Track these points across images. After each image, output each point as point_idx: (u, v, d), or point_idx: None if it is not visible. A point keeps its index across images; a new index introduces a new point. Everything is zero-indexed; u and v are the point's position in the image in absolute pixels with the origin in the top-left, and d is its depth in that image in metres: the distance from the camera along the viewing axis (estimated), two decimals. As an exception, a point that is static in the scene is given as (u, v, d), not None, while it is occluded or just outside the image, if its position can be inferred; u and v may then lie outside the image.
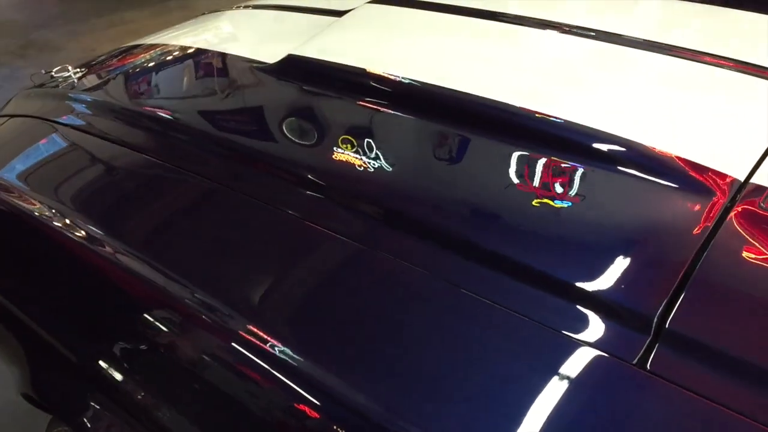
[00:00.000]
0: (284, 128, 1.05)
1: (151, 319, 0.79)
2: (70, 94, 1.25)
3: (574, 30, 1.11)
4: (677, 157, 0.77)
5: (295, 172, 0.92)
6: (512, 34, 1.18)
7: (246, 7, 1.64)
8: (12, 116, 1.26)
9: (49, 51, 4.88)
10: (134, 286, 0.82)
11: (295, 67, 1.13)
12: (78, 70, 1.35)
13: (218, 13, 1.66)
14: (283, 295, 0.76)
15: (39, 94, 1.32)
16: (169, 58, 1.36)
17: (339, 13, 1.37)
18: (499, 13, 1.21)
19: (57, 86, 1.32)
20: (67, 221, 0.92)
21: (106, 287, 0.87)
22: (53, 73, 1.36)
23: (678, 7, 1.27)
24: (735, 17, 1.24)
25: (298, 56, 1.13)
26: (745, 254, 0.67)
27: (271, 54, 1.19)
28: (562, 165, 0.80)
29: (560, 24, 1.14)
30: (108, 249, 0.86)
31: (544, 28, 1.14)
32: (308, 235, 0.80)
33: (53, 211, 0.94)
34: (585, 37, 1.10)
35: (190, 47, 1.37)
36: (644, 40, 1.06)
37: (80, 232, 0.89)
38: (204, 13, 1.74)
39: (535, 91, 0.95)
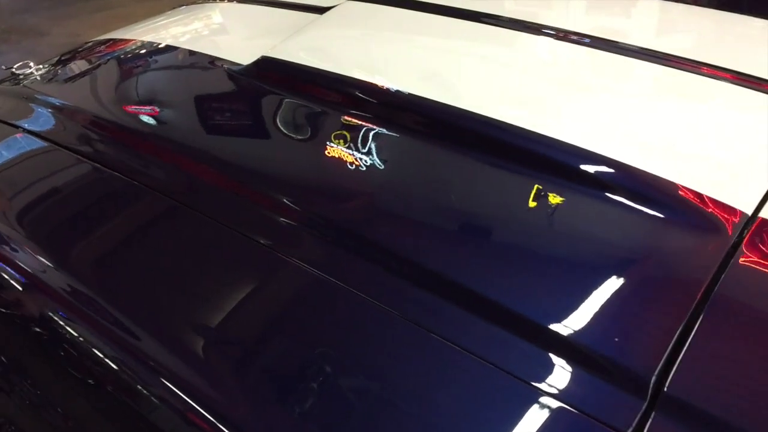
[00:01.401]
0: (254, 137, 0.97)
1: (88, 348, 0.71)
2: (29, 94, 1.16)
3: (569, 36, 1.04)
4: (678, 185, 0.70)
5: (262, 190, 0.84)
6: (500, 39, 1.11)
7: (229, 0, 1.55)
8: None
9: (33, 36, 4.76)
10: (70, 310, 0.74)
11: (268, 71, 1.05)
12: (40, 66, 1.27)
13: (195, 6, 1.57)
14: (241, 340, 0.67)
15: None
16: (136, 56, 1.27)
17: (322, 11, 1.29)
18: (487, 14, 1.13)
19: (18, 84, 1.24)
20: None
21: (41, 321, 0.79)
22: (14, 69, 1.27)
23: (681, 12, 1.20)
24: (739, 23, 1.17)
25: (273, 58, 1.05)
26: (755, 302, 0.60)
27: (245, 54, 1.11)
28: (550, 193, 0.73)
29: (552, 28, 1.06)
30: (43, 271, 0.78)
31: (532, 33, 1.07)
32: (266, 259, 0.73)
33: None
34: (581, 45, 1.03)
35: (159, 44, 1.29)
36: (644, 48, 0.99)
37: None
38: (183, 5, 1.65)
39: (522, 105, 0.88)
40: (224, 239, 0.77)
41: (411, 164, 0.85)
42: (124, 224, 0.85)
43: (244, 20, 1.45)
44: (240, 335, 0.66)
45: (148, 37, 1.35)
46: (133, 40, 1.34)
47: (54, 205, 0.92)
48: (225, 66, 1.11)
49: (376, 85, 0.94)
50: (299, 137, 0.94)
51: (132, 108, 1.08)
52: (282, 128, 0.96)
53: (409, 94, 0.90)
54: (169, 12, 1.60)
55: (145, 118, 1.04)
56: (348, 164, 0.82)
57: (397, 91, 0.92)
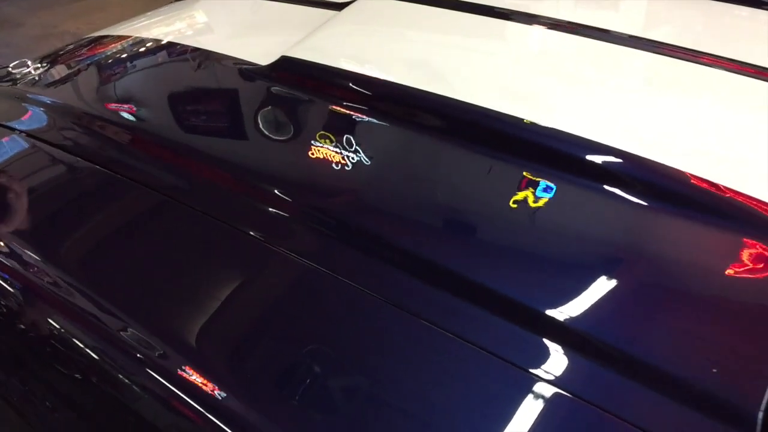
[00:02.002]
0: (279, 142, 0.92)
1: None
2: (26, 94, 1.09)
3: (597, 34, 1.00)
4: (747, 198, 0.66)
5: (296, 197, 0.80)
6: (520, 34, 1.07)
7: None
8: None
9: (8, 27, 4.61)
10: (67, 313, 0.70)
11: (290, 71, 0.99)
12: (38, 65, 1.19)
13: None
14: (242, 338, 0.65)
15: (-7, 92, 1.16)
16: (140, 54, 1.20)
17: (332, 5, 1.23)
18: (507, 10, 1.10)
19: (15, 83, 1.16)
20: None
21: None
22: (10, 68, 1.20)
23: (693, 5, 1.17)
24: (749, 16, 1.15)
25: (294, 58, 1.00)
26: None
27: (260, 53, 1.06)
28: (616, 204, 0.69)
29: (579, 25, 1.03)
30: (41, 273, 0.74)
31: (554, 29, 1.03)
32: (285, 264, 0.71)
33: None
34: (609, 42, 0.99)
35: (164, 41, 1.22)
36: (665, 43, 0.97)
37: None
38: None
39: (552, 103, 0.84)
40: (260, 254, 0.73)
41: (444, 164, 0.82)
42: (131, 224, 0.83)
43: (245, 16, 1.39)
44: (231, 327, 0.66)
45: (149, 34, 1.28)
46: (134, 36, 1.27)
47: (45, 204, 0.89)
48: (241, 66, 1.05)
49: (403, 86, 0.90)
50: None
51: (138, 109, 1.02)
52: (306, 130, 0.91)
53: (436, 94, 0.86)
54: (168, 6, 1.52)
55: (153, 119, 0.99)
56: (372, 167, 0.81)
57: (424, 92, 0.87)
